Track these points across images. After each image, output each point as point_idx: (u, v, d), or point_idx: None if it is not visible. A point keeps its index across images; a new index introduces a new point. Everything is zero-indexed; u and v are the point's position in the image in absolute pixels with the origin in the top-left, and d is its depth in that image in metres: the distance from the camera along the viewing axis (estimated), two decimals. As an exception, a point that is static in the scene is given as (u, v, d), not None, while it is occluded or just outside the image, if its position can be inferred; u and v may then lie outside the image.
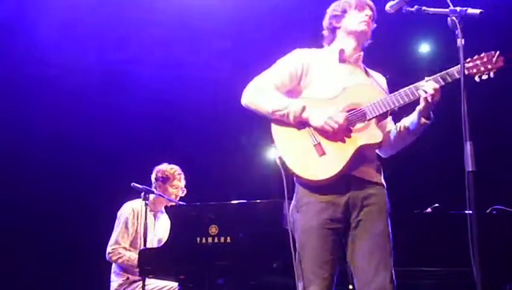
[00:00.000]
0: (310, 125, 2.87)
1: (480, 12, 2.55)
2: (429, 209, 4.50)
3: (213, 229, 4.07)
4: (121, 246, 4.74)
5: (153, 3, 6.42)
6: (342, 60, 3.04)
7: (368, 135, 2.86)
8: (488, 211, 4.39)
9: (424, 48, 7.09)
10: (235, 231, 4.06)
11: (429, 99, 2.81)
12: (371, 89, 2.97)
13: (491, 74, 2.77)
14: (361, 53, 3.09)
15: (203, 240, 4.07)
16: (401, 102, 2.84)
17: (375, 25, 3.09)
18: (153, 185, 4.94)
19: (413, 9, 2.78)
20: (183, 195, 4.97)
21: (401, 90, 2.86)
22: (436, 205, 4.49)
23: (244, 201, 4.26)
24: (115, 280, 4.75)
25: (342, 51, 3.04)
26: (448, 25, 2.58)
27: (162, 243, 4.42)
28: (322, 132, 2.84)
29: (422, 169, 6.75)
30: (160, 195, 4.80)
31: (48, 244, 6.46)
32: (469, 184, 2.36)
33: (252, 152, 7.34)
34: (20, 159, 6.59)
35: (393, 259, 2.84)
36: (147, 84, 6.77)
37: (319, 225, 2.80)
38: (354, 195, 2.84)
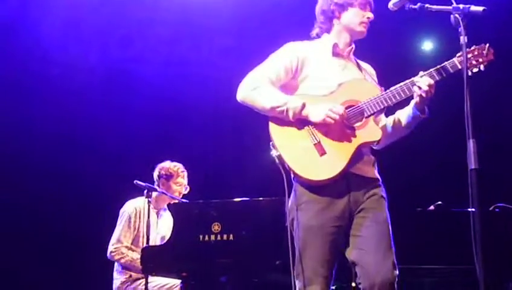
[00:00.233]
0: (309, 123, 2.84)
1: (484, 9, 2.54)
2: (432, 207, 4.50)
3: (216, 227, 4.07)
4: (123, 245, 4.74)
5: (156, 1, 6.42)
6: (335, 53, 3.02)
7: (367, 132, 2.85)
8: (491, 208, 4.39)
9: (427, 46, 7.08)
10: (237, 228, 4.06)
11: (424, 95, 2.82)
12: (367, 84, 2.96)
13: (482, 67, 2.79)
14: (353, 46, 3.07)
15: (206, 238, 4.07)
16: (398, 98, 2.85)
17: None
18: (155, 182, 4.94)
19: (416, 6, 2.77)
20: (186, 193, 4.97)
21: (398, 86, 2.87)
22: (439, 202, 4.49)
23: (247, 199, 4.26)
24: (118, 278, 4.76)
25: (335, 45, 3.01)
26: (451, 23, 2.58)
27: (165, 241, 4.43)
28: (322, 130, 2.83)
29: (425, 167, 6.75)
30: (163, 192, 4.80)
31: (51, 242, 6.47)
32: (472, 182, 2.36)
33: (254, 150, 7.34)
34: (22, 158, 6.60)
35: (396, 257, 2.84)
36: (150, 83, 6.77)
37: (320, 224, 2.79)
38: (354, 193, 2.84)
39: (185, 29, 6.55)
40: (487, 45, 2.83)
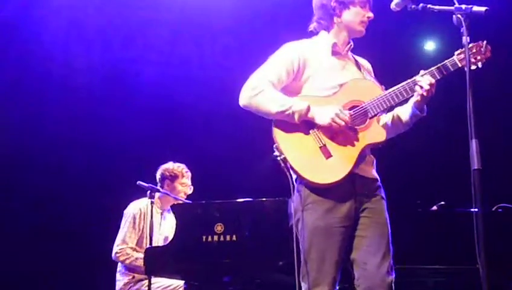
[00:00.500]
0: (314, 126, 2.84)
1: (486, 10, 2.54)
2: (435, 207, 4.50)
3: (219, 228, 4.07)
4: (128, 246, 4.74)
5: (158, 1, 6.42)
6: (335, 53, 3.00)
7: (372, 133, 2.85)
8: (493, 209, 4.38)
9: (430, 46, 7.07)
10: (240, 229, 4.06)
11: (425, 94, 2.82)
12: (368, 84, 2.96)
13: (480, 65, 2.80)
14: (351, 43, 3.06)
15: (209, 238, 4.07)
16: (401, 98, 2.86)
17: None
18: (159, 184, 4.94)
19: (418, 7, 2.78)
20: (191, 193, 4.97)
21: (400, 85, 2.87)
22: (442, 203, 4.48)
23: (250, 199, 4.26)
24: (121, 279, 4.75)
25: (335, 44, 3.00)
26: (454, 23, 2.58)
27: (168, 242, 4.43)
28: (327, 132, 2.82)
29: (428, 167, 6.74)
30: (166, 193, 4.80)
31: (53, 242, 6.47)
32: (475, 182, 2.35)
33: (257, 150, 7.33)
34: (24, 158, 6.60)
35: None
36: (152, 83, 6.77)
37: (327, 224, 2.78)
38: (359, 193, 2.84)
39: (187, 29, 6.55)
40: (485, 42, 2.84)
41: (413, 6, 2.79)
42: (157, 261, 4.25)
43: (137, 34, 6.58)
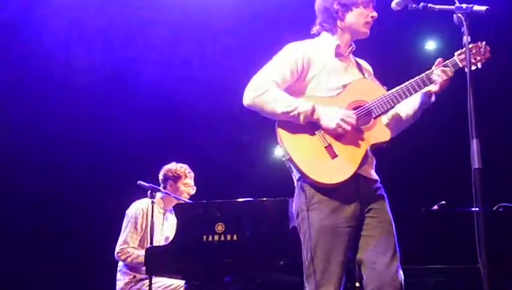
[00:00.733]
0: (319, 126, 2.82)
1: (487, 9, 2.54)
2: (435, 207, 4.50)
3: (219, 227, 4.07)
4: (129, 246, 4.74)
5: (158, 2, 6.43)
6: (338, 54, 2.99)
7: (377, 133, 2.85)
8: (494, 208, 4.38)
9: (430, 45, 7.07)
10: (241, 228, 4.05)
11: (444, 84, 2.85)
12: (372, 84, 2.96)
13: (479, 65, 2.81)
14: (353, 45, 3.05)
15: (210, 238, 4.07)
16: (404, 97, 2.85)
17: None
18: (161, 184, 4.94)
19: (419, 6, 2.77)
20: (194, 193, 4.98)
21: (403, 85, 2.86)
22: (443, 202, 4.48)
23: (251, 199, 4.26)
24: (121, 279, 4.75)
25: (338, 46, 2.99)
26: (454, 22, 2.58)
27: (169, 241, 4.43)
28: (332, 133, 2.81)
29: (429, 166, 6.74)
30: (167, 193, 4.81)
31: (54, 242, 6.48)
32: (475, 181, 2.35)
33: (258, 149, 7.34)
34: (25, 157, 6.61)
35: (400, 257, 2.85)
36: (153, 83, 6.78)
37: (333, 224, 2.77)
38: (363, 194, 2.83)
39: (187, 30, 6.56)
40: (484, 42, 2.84)
41: (413, 5, 2.79)
42: (157, 261, 4.25)
43: (138, 34, 6.59)
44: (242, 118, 6.55)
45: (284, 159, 2.85)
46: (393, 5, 2.87)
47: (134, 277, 4.71)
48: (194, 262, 4.18)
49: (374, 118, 2.86)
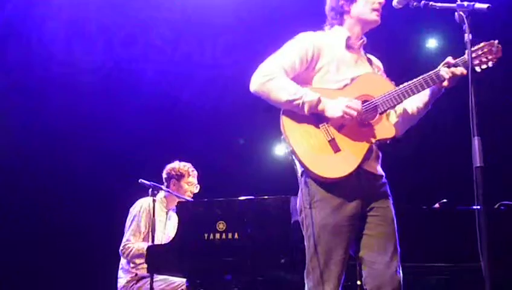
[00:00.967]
0: (323, 118, 2.81)
1: (488, 6, 2.53)
2: (437, 205, 4.49)
3: (221, 225, 4.07)
4: (131, 243, 4.75)
5: (159, 1, 6.42)
6: (348, 46, 2.98)
7: (382, 129, 2.83)
8: (496, 206, 4.38)
9: (432, 43, 7.06)
10: (242, 227, 4.06)
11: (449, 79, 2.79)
12: (380, 79, 2.94)
13: (490, 64, 2.77)
14: (364, 39, 3.03)
15: (211, 236, 4.07)
16: (411, 94, 2.83)
17: None
18: (165, 183, 4.95)
19: (420, 4, 2.77)
20: (197, 191, 4.98)
21: (410, 82, 2.83)
22: (444, 200, 4.48)
23: (252, 197, 4.26)
24: (123, 277, 4.76)
25: (349, 38, 2.97)
26: (456, 20, 2.58)
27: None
28: (336, 126, 2.80)
29: (430, 164, 6.74)
30: (168, 191, 4.81)
31: (55, 240, 6.49)
32: (477, 180, 2.35)
33: (260, 148, 7.35)
34: (25, 157, 6.62)
35: (401, 254, 2.85)
36: (154, 82, 6.78)
37: (336, 222, 2.76)
38: (366, 190, 2.82)
39: (188, 28, 6.55)
40: (496, 41, 2.81)
41: (415, 3, 2.78)
42: (159, 259, 4.26)
43: (138, 33, 6.59)
44: (243, 116, 6.58)
45: (286, 151, 2.84)
46: (394, 3, 2.87)
47: (136, 275, 4.71)
48: (196, 260, 4.18)
49: (380, 114, 2.84)
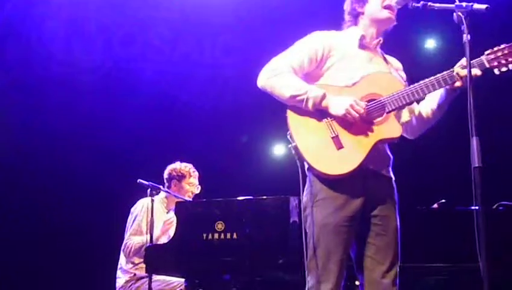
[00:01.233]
0: (328, 115, 2.80)
1: (487, 7, 2.53)
2: (436, 205, 4.49)
3: (219, 226, 4.07)
4: (131, 240, 4.75)
5: (158, 0, 6.42)
6: (362, 46, 2.97)
7: (388, 128, 2.80)
8: (494, 206, 4.38)
9: (430, 44, 7.06)
10: (241, 227, 4.05)
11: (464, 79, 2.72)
12: (390, 78, 2.89)
13: (511, 67, 2.71)
14: (381, 39, 3.02)
15: (210, 236, 4.07)
16: (421, 94, 2.79)
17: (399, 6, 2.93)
18: (166, 183, 4.95)
19: (419, 4, 2.76)
20: (198, 192, 4.98)
21: (421, 82, 2.80)
22: (443, 200, 4.48)
23: (250, 197, 4.26)
24: (121, 277, 4.76)
25: (362, 37, 2.96)
26: (454, 21, 2.58)
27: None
28: (341, 123, 2.79)
29: (429, 164, 6.74)
30: (167, 192, 4.81)
31: (54, 240, 6.49)
32: (476, 180, 2.35)
33: (258, 148, 7.35)
34: (24, 156, 6.61)
35: (399, 255, 2.86)
36: (153, 81, 6.78)
37: (337, 222, 2.77)
38: (370, 190, 2.81)
39: (187, 28, 6.55)
40: None
41: (413, 4, 2.78)
42: (157, 259, 4.26)
43: (137, 33, 6.59)
44: (242, 115, 6.57)
45: (290, 146, 2.83)
46: (393, 3, 2.87)
47: (135, 275, 4.71)
48: (194, 260, 4.18)
49: (387, 113, 2.80)
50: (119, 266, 4.82)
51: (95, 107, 6.70)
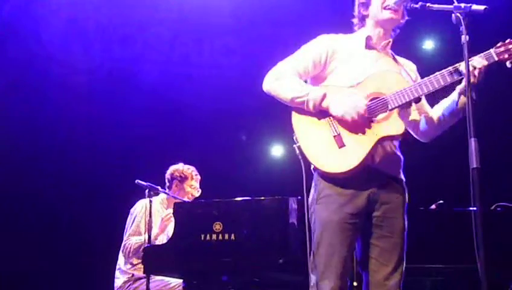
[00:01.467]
0: (330, 115, 2.82)
1: (485, 8, 2.53)
2: (433, 206, 4.49)
3: (217, 226, 4.06)
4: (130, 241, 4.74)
5: (157, 0, 6.42)
6: (369, 46, 2.98)
7: (390, 126, 2.79)
8: (492, 208, 4.38)
9: (428, 45, 7.06)
10: (239, 227, 4.05)
11: (476, 73, 2.68)
12: (395, 76, 2.87)
13: None
14: (391, 40, 3.02)
15: (208, 237, 4.07)
16: (425, 90, 2.77)
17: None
18: (167, 184, 4.95)
19: (417, 5, 2.77)
20: (198, 195, 4.99)
21: (426, 78, 2.79)
22: (441, 201, 4.48)
23: (249, 198, 4.25)
24: (120, 277, 4.75)
25: (368, 38, 2.97)
26: (453, 22, 2.57)
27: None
28: (343, 122, 2.79)
29: (427, 165, 6.74)
30: (165, 193, 4.80)
31: (53, 240, 6.48)
32: (473, 181, 2.35)
33: (257, 149, 7.35)
34: (24, 156, 6.61)
35: (404, 257, 2.86)
36: (152, 82, 6.78)
37: (340, 219, 2.77)
38: (375, 189, 2.81)
39: (188, 29, 6.56)
40: None
41: (412, 4, 2.78)
42: (155, 259, 4.25)
43: (136, 33, 6.59)
44: (241, 116, 6.57)
45: (295, 146, 2.85)
46: (391, 4, 2.87)
47: (133, 275, 4.71)
48: (192, 261, 4.18)
49: (390, 110, 2.79)
50: (117, 267, 4.82)
51: (94, 108, 6.70)
